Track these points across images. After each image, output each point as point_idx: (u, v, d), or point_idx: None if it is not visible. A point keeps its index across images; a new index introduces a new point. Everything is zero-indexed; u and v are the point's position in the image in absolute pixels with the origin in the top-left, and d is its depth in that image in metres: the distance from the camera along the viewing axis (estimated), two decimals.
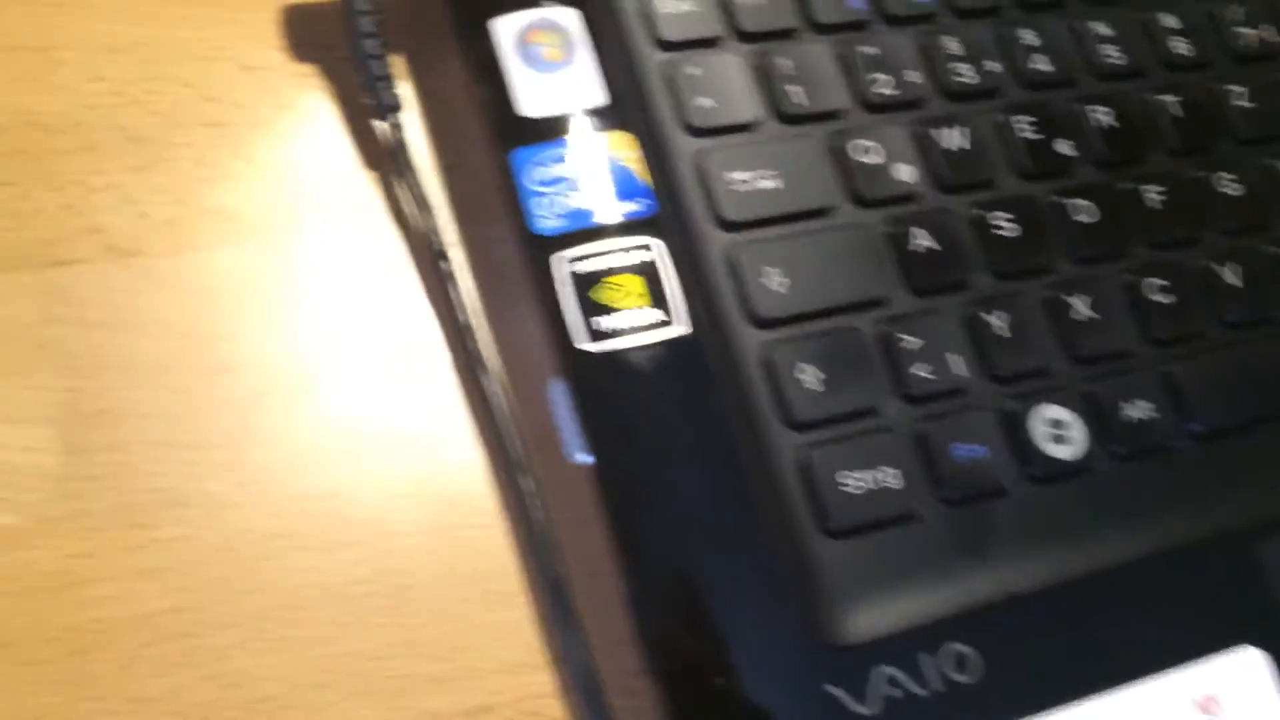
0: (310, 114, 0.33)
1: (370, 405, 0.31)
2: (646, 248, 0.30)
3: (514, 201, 0.30)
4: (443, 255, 0.31)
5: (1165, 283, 0.34)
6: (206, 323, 0.30)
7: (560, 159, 0.30)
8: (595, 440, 0.28)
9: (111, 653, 0.27)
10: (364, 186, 0.32)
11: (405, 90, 0.33)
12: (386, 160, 0.32)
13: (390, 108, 0.32)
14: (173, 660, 0.27)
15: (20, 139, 0.31)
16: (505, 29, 0.31)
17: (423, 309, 0.32)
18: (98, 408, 0.29)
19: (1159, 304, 0.34)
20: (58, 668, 0.27)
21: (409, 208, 0.32)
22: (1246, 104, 0.37)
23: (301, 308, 0.31)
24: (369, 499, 0.30)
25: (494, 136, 0.31)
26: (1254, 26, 0.38)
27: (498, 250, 0.32)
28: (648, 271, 0.30)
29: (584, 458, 0.28)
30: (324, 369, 0.31)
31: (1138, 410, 0.32)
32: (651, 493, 0.28)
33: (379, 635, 0.28)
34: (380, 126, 0.33)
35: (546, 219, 0.30)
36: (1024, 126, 0.35)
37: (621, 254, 0.30)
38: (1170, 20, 0.38)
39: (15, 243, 0.30)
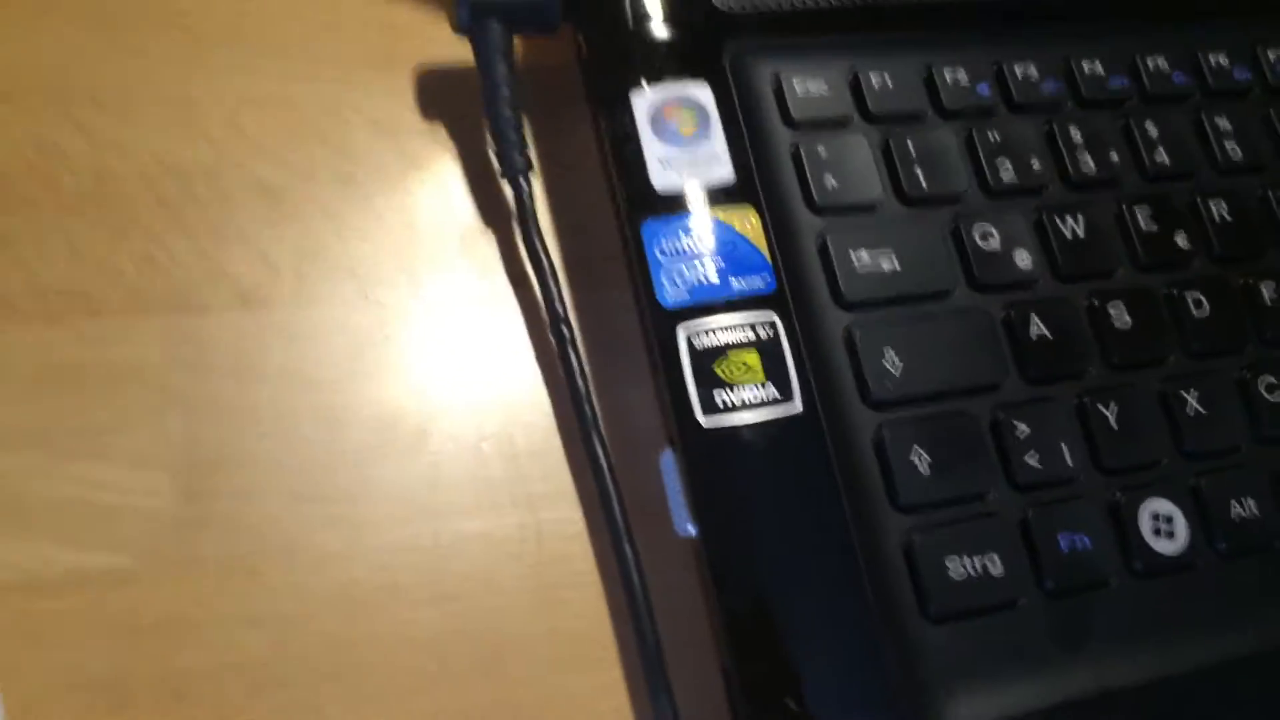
0: (439, 173, 0.34)
1: (482, 464, 0.32)
2: (767, 324, 0.31)
3: (644, 272, 0.31)
4: (565, 320, 0.32)
5: (1277, 380, 0.34)
6: (327, 374, 0.31)
7: (689, 231, 0.31)
8: (703, 513, 0.29)
9: (211, 699, 0.28)
10: (487, 248, 0.33)
11: (532, 154, 0.34)
12: (511, 222, 0.33)
13: (520, 169, 0.33)
14: (271, 708, 0.28)
15: (160, 187, 0.32)
16: (642, 103, 0.32)
17: (537, 371, 0.33)
18: (217, 455, 0.30)
19: (1271, 403, 0.34)
20: (157, 713, 0.28)
21: (530, 272, 0.33)
22: None
23: (421, 363, 0.32)
24: (474, 556, 0.31)
25: (626, 208, 0.31)
26: None
27: (616, 318, 0.33)
28: (767, 348, 0.30)
29: (690, 529, 0.29)
30: (439, 425, 0.32)
31: (1243, 509, 0.32)
32: (755, 569, 0.29)
33: (472, 694, 0.29)
34: (507, 188, 0.33)
35: (674, 291, 0.31)
36: (1143, 218, 0.35)
37: (743, 329, 0.30)
38: None
39: (147, 288, 0.31)
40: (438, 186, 0.34)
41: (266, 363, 0.31)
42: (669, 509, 0.30)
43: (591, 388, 0.32)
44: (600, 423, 0.31)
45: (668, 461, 0.30)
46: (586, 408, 0.32)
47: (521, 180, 0.33)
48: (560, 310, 0.32)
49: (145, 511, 0.29)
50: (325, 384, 0.31)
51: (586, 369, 0.32)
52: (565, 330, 0.32)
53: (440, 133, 0.34)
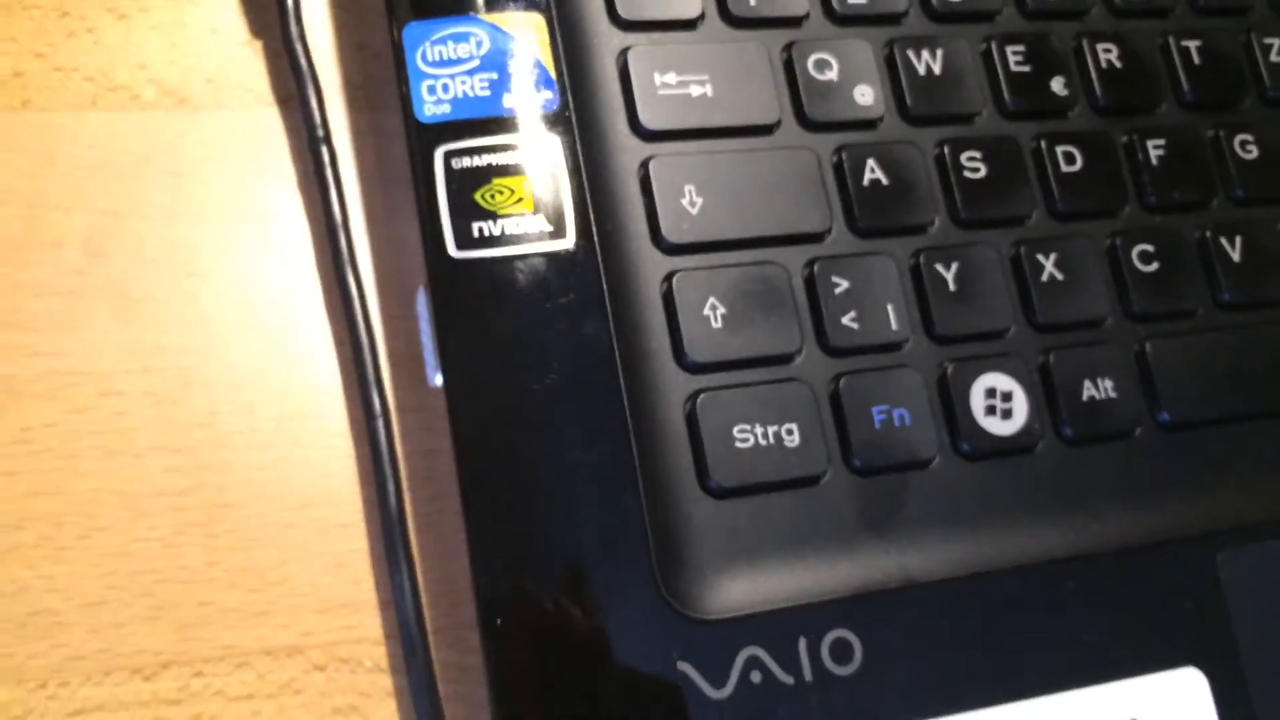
0: None
1: (219, 302, 0.27)
2: (544, 148, 0.26)
3: (405, 82, 0.26)
4: (324, 139, 0.28)
5: (1153, 249, 0.30)
6: (44, 192, 0.27)
7: (459, 38, 0.27)
8: (452, 359, 0.25)
9: None
10: (250, 60, 0.29)
11: None
12: (276, 30, 0.29)
13: None
14: None
15: None
16: None
17: (296, 200, 0.28)
18: None
19: (1142, 273, 0.30)
20: None
21: (294, 84, 0.28)
22: (1279, 58, 0.32)
23: (155, 185, 0.28)
24: (200, 401, 0.27)
25: (389, 8, 0.27)
26: None
27: (388, 143, 0.28)
28: (539, 175, 0.26)
29: (437, 379, 0.25)
30: (167, 254, 0.27)
31: (1098, 389, 0.28)
32: (509, 425, 0.25)
33: (183, 555, 0.25)
34: None
35: (434, 104, 0.26)
36: (1014, 57, 0.30)
37: (512, 151, 0.26)
38: None
39: None
40: None
41: None
42: (424, 358, 0.26)
43: (351, 218, 0.28)
44: (357, 258, 0.27)
45: (421, 302, 0.26)
46: (342, 239, 0.27)
47: None
48: (320, 126, 0.28)
49: None
50: (40, 203, 0.27)
51: (347, 196, 0.28)
52: (324, 150, 0.28)
53: None
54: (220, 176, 0.28)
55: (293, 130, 0.29)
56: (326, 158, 0.28)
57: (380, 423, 0.26)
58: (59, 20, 0.28)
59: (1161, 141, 0.31)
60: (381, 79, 0.29)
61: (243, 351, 0.27)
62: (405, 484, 0.27)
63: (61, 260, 0.27)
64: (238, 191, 0.28)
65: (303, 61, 0.28)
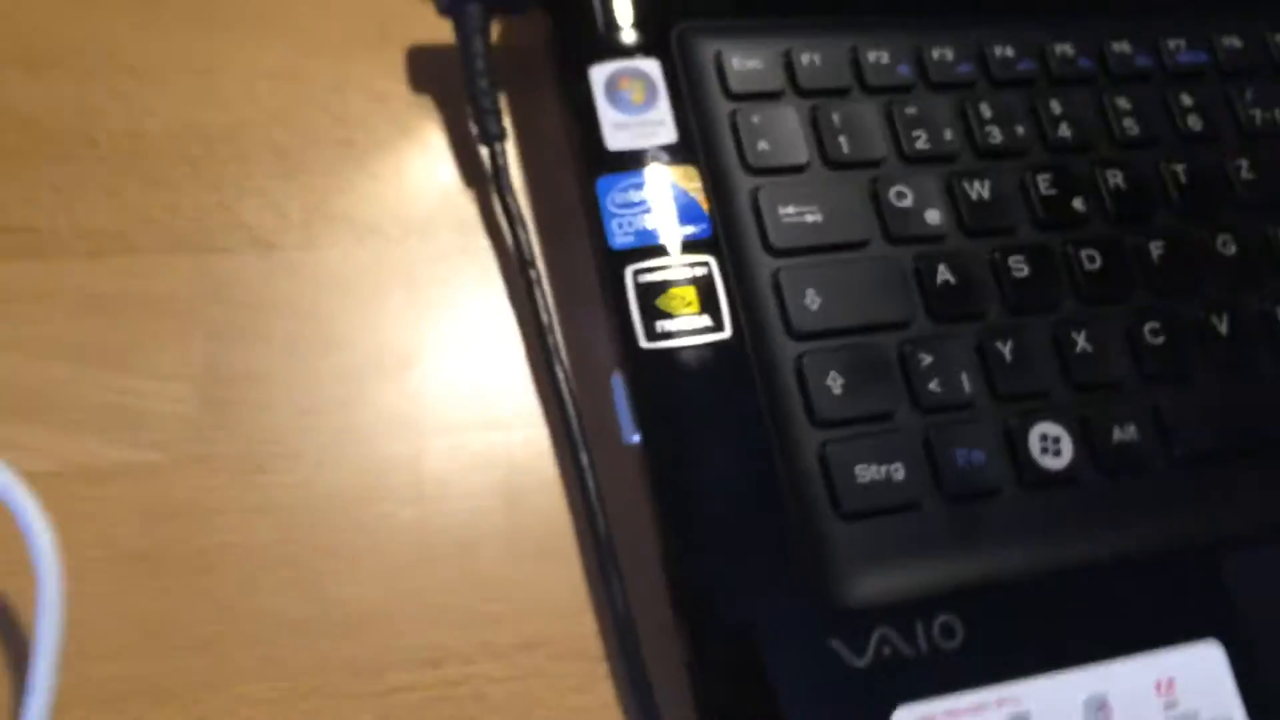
0: (425, 138, 0.39)
1: (458, 387, 0.37)
2: (703, 265, 0.36)
3: (597, 221, 0.36)
4: (531, 264, 0.37)
5: (1159, 325, 0.39)
6: (326, 307, 0.36)
7: (637, 186, 0.36)
8: (645, 424, 0.34)
9: (232, 572, 0.33)
10: (466, 203, 0.39)
11: (507, 123, 0.39)
12: (487, 181, 0.38)
13: (495, 136, 0.38)
14: (281, 582, 0.33)
15: (186, 147, 0.38)
16: (599, 75, 0.37)
17: (509, 310, 0.38)
18: (233, 371, 0.35)
19: (1152, 344, 0.39)
20: (186, 582, 0.33)
21: (503, 223, 0.38)
22: (1248, 175, 0.42)
23: (406, 300, 0.37)
24: (449, 465, 0.36)
25: (583, 166, 0.37)
26: (1264, 108, 0.43)
27: (576, 264, 0.38)
28: (702, 284, 0.35)
29: (634, 438, 0.34)
30: (421, 354, 0.37)
31: (1125, 433, 0.37)
32: (690, 472, 0.34)
33: (447, 573, 0.34)
34: (484, 152, 0.39)
35: (622, 236, 0.36)
36: (1044, 184, 0.40)
37: (681, 268, 0.36)
38: (1187, 99, 0.43)
39: (178, 231, 0.37)
40: (424, 150, 0.39)
41: (277, 296, 0.37)
42: (619, 424, 0.35)
43: (555, 322, 0.37)
44: (561, 351, 0.37)
45: (617, 382, 0.35)
46: (549, 338, 0.37)
47: (496, 145, 0.38)
48: (527, 254, 0.37)
49: (172, 416, 0.34)
50: (325, 315, 0.37)
51: (550, 306, 0.37)
52: (531, 272, 0.37)
53: (427, 103, 0.40)
54: (449, 300, 0.38)
55: (503, 259, 0.38)
56: (534, 277, 0.37)
57: (587, 472, 0.35)
58: (325, 179, 0.38)
59: (1160, 242, 0.40)
60: (563, 214, 0.39)
61: (479, 428, 0.36)
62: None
63: (341, 363, 0.36)
64: (469, 314, 0.38)
65: (511, 206, 0.38)
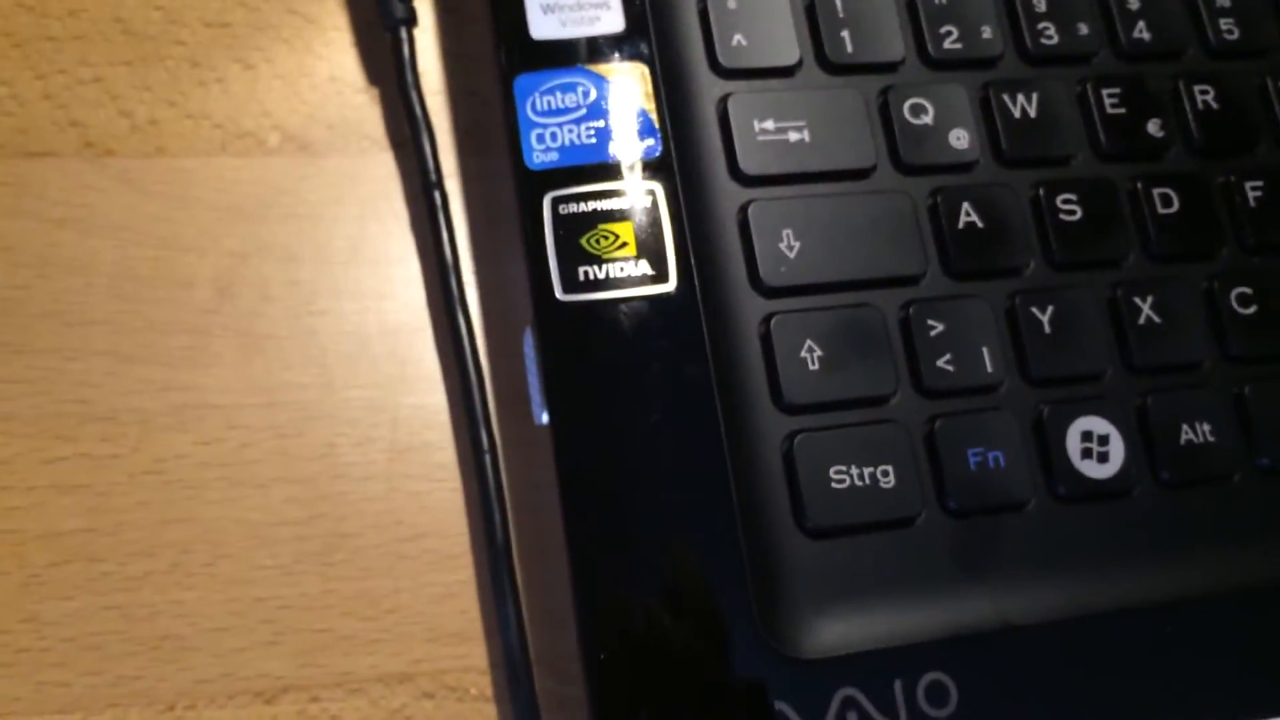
0: (318, 20, 0.31)
1: (337, 339, 0.29)
2: (647, 194, 0.27)
3: (514, 131, 0.28)
4: (437, 184, 0.29)
5: (1252, 291, 0.30)
6: (173, 232, 0.29)
7: (567, 89, 0.28)
8: (557, 399, 0.26)
9: (13, 567, 0.26)
10: (365, 105, 0.30)
11: (423, 6, 0.31)
12: (391, 77, 0.30)
13: (401, 19, 0.30)
14: (77, 583, 0.26)
15: (9, 22, 0.30)
16: None
17: (409, 241, 0.30)
18: (45, 309, 0.27)
19: (1241, 315, 0.30)
20: None
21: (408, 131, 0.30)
22: None
23: (278, 227, 0.29)
24: (318, 438, 0.28)
25: (500, 59, 0.28)
26: None
27: (497, 187, 0.29)
28: (643, 220, 0.27)
29: (544, 417, 0.26)
30: (292, 297, 0.29)
31: (1196, 433, 0.28)
32: (611, 462, 0.26)
33: (303, 584, 0.27)
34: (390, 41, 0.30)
35: (542, 153, 0.27)
36: (1110, 99, 0.31)
37: (617, 198, 0.27)
38: None
39: None
40: (315, 36, 0.31)
41: (111, 217, 0.29)
42: (530, 397, 0.27)
43: (464, 260, 0.29)
44: (469, 298, 0.29)
45: (528, 342, 0.27)
46: (452, 280, 0.29)
47: (402, 31, 0.30)
48: (433, 171, 0.29)
49: None
50: (174, 244, 0.29)
51: (460, 239, 0.29)
52: (437, 194, 0.29)
53: None
54: (339, 219, 0.30)
55: (408, 175, 0.30)
56: (439, 201, 0.29)
57: (487, 458, 0.28)
58: (190, 70, 0.30)
59: (1260, 183, 0.31)
60: (491, 124, 0.31)
61: (359, 387, 0.29)
62: (512, 517, 0.28)
63: (192, 299, 0.28)
64: (356, 233, 0.30)
65: (417, 109, 0.29)
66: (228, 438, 0.28)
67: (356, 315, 0.29)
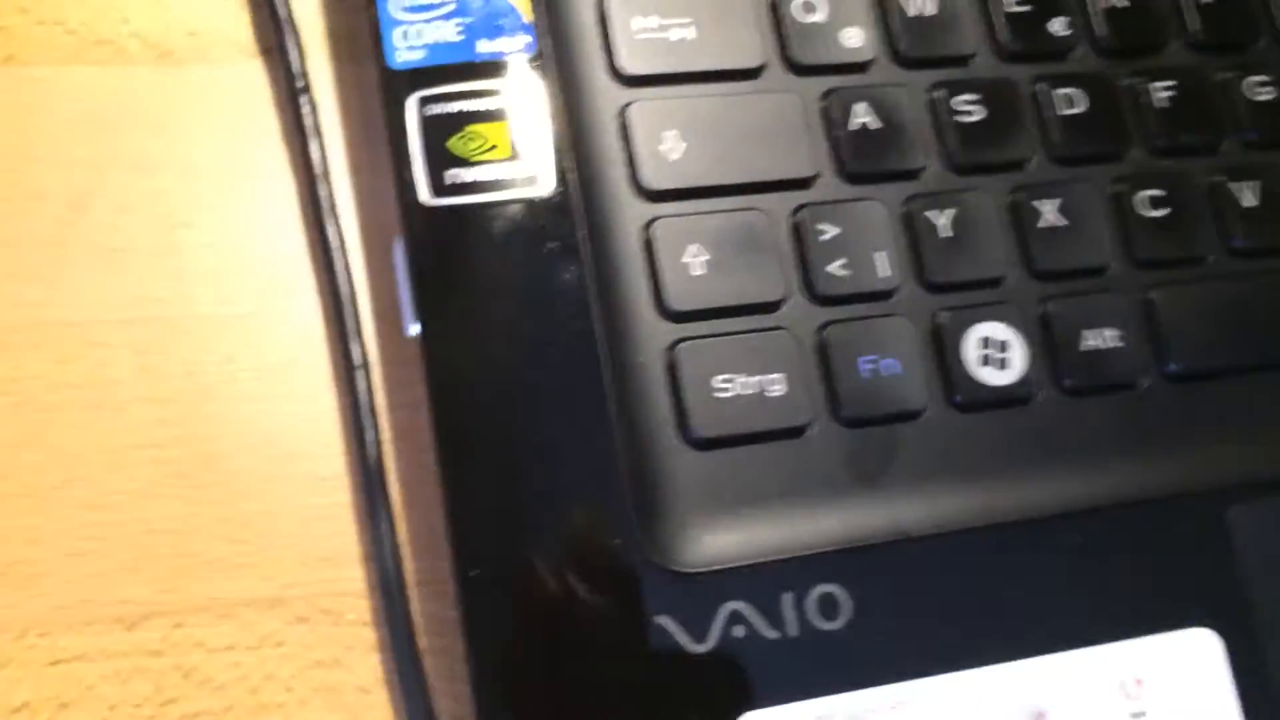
0: None
1: (200, 253, 0.27)
2: (520, 94, 0.26)
3: (374, 26, 0.26)
4: (304, 88, 0.28)
5: (1162, 194, 0.29)
6: (27, 145, 0.27)
7: None
8: (427, 308, 0.25)
9: None
10: (232, 11, 0.29)
11: None
12: None
13: None
14: None
15: None
16: None
17: (279, 152, 0.28)
18: None
19: (1150, 218, 0.28)
20: None
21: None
22: None
23: (138, 138, 0.28)
24: (184, 353, 0.26)
25: None
26: None
27: (370, 94, 0.28)
28: (516, 120, 0.26)
29: (413, 328, 0.25)
30: (150, 205, 0.27)
31: (1101, 339, 0.27)
32: (484, 375, 0.25)
33: (166, 507, 0.25)
34: None
35: (407, 50, 0.26)
36: None
37: (487, 97, 0.26)
38: None
39: None
40: None
41: None
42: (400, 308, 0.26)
43: (333, 169, 0.28)
44: (338, 209, 0.27)
45: (398, 251, 0.26)
46: (322, 190, 0.27)
47: None
48: (298, 72, 0.28)
49: None
50: (21, 154, 0.27)
51: (333, 148, 0.28)
52: (303, 99, 0.28)
53: None
54: (203, 129, 0.28)
55: (276, 82, 0.29)
56: (307, 109, 0.28)
57: (360, 374, 0.26)
58: None
59: (1169, 83, 0.29)
60: (364, 29, 0.29)
61: (225, 303, 0.27)
62: (388, 436, 0.26)
63: (44, 212, 0.27)
64: (221, 144, 0.28)
65: (281, 11, 0.28)
66: (85, 356, 0.26)
67: (220, 229, 0.27)
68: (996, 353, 0.27)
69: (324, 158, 0.27)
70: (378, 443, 0.26)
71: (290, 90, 0.28)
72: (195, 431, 0.26)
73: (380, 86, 0.26)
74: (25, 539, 0.25)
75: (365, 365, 0.26)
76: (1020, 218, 0.28)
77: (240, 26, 0.29)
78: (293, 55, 0.28)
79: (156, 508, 0.25)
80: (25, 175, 0.27)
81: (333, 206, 0.27)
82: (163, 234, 0.27)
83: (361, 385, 0.26)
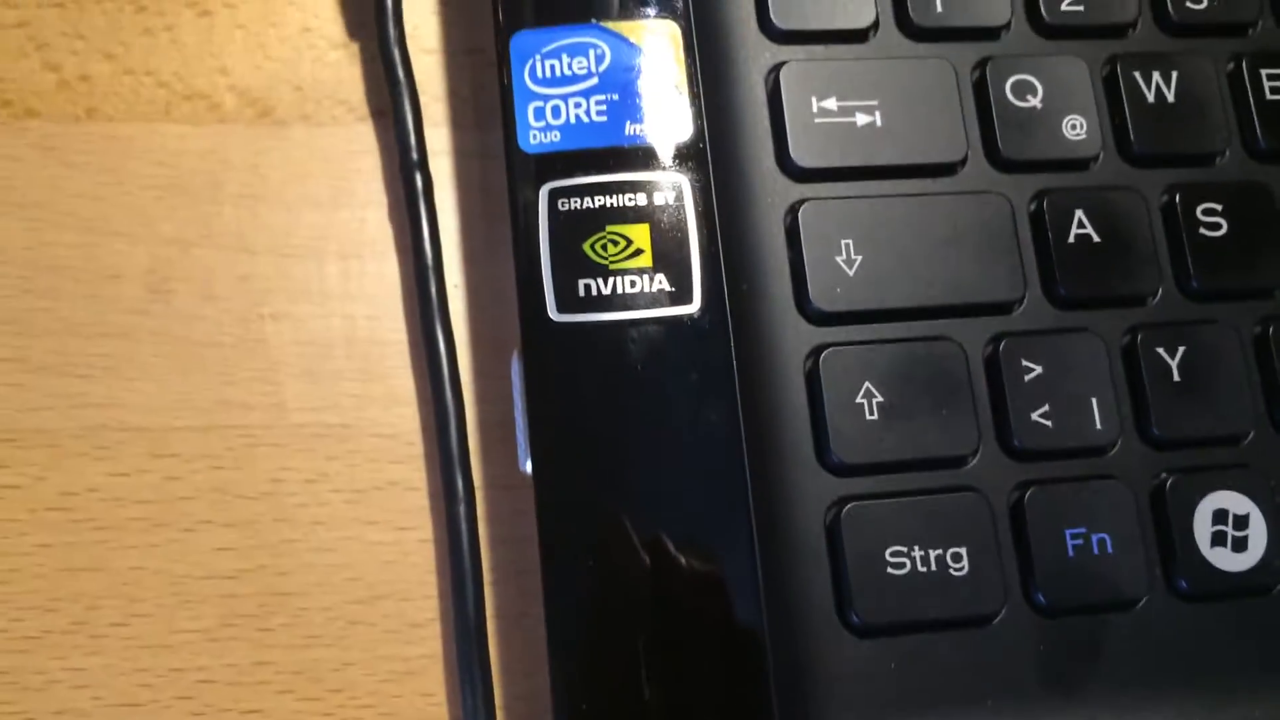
0: None
1: (292, 351, 0.24)
2: (671, 189, 0.22)
3: (508, 102, 0.22)
4: (420, 164, 0.24)
5: None
6: (105, 215, 0.24)
7: (576, 50, 0.22)
8: (544, 445, 0.21)
9: None
10: (343, 64, 0.25)
11: None
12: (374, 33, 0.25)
13: None
14: None
15: None
16: None
17: (386, 233, 0.24)
18: None
19: None
20: None
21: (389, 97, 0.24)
22: None
23: (229, 210, 0.24)
24: (261, 472, 0.23)
25: (499, 12, 0.23)
26: None
27: (496, 168, 0.24)
28: (662, 221, 0.21)
29: (528, 464, 0.21)
30: (237, 292, 0.24)
31: None
32: (608, 531, 0.20)
33: (231, 653, 0.22)
34: None
35: (541, 132, 0.22)
36: (1271, 82, 0.24)
37: (632, 193, 0.21)
38: None
39: None
40: None
41: (28, 192, 0.24)
42: (516, 438, 0.22)
43: (450, 259, 0.24)
44: (449, 306, 0.23)
45: (516, 370, 0.22)
46: (433, 284, 0.23)
47: None
48: (415, 149, 0.24)
49: None
50: (103, 228, 0.24)
51: (447, 232, 0.24)
52: (418, 177, 0.24)
53: None
54: (301, 201, 0.24)
55: (387, 149, 0.25)
56: (420, 185, 0.24)
57: (462, 507, 0.22)
58: (135, 16, 0.25)
59: None
60: (494, 91, 0.25)
61: (314, 410, 0.23)
62: (489, 579, 0.23)
63: (119, 295, 0.24)
64: (321, 219, 0.24)
65: (399, 69, 0.24)
66: (151, 469, 0.23)
67: (317, 322, 0.24)
68: (1233, 530, 0.22)
69: (437, 246, 0.24)
70: (479, 593, 0.22)
71: (404, 162, 0.24)
72: (270, 563, 0.22)
73: (508, 172, 0.22)
74: (73, 684, 0.22)
75: (470, 498, 0.22)
76: (1269, 360, 0.23)
77: (350, 83, 0.25)
78: (409, 122, 0.24)
79: (220, 653, 0.22)
80: (101, 251, 0.24)
81: (444, 306, 0.23)
82: (250, 326, 0.24)
83: (463, 521, 0.22)
